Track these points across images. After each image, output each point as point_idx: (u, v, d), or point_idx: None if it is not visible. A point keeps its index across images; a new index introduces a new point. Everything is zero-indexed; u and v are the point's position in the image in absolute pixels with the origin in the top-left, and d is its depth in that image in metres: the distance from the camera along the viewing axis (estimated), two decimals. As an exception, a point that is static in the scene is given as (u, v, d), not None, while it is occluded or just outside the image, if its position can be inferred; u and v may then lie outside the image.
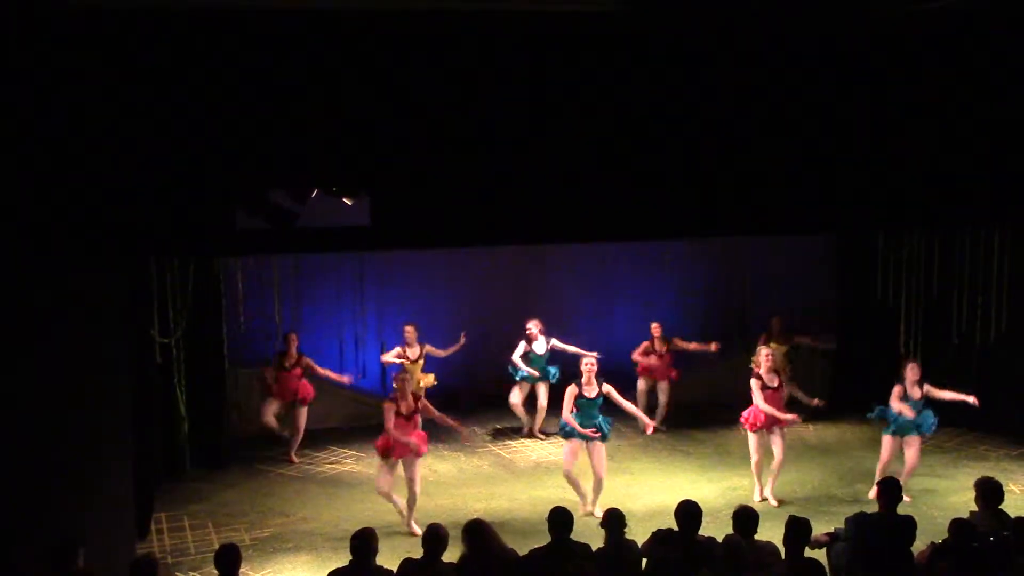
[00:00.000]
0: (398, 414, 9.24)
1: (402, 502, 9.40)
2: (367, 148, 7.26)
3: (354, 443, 11.88)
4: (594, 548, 6.64)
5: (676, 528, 6.66)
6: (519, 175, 7.55)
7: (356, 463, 11.40)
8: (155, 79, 6.70)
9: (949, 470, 10.93)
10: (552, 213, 7.83)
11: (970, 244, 11.81)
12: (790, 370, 11.73)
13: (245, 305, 11.80)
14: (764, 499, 10.02)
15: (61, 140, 6.68)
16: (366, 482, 10.47)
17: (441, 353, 12.03)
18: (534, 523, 8.57)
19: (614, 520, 6.71)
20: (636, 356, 12.34)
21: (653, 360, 12.31)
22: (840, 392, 12.83)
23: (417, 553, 6.50)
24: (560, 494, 9.74)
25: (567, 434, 9.67)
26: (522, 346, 11.99)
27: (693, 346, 12.46)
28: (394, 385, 9.53)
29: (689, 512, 6.64)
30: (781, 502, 9.91)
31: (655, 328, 12.35)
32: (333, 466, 11.25)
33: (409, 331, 11.87)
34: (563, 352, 11.93)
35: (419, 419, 9.44)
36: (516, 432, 12.30)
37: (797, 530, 6.45)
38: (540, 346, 12.02)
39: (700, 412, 12.71)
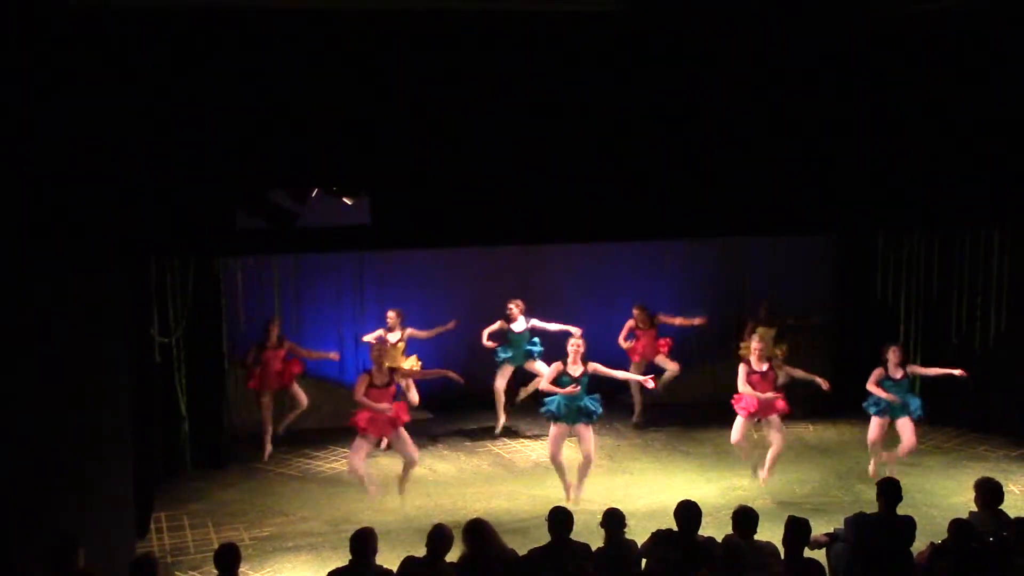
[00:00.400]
0: (373, 385, 9.42)
1: (373, 488, 9.64)
2: (367, 148, 7.27)
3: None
4: (594, 548, 6.65)
5: (676, 528, 6.66)
6: (519, 175, 7.55)
7: (356, 463, 11.39)
8: (155, 79, 6.71)
9: (949, 470, 10.92)
10: (552, 213, 7.84)
11: (970, 244, 11.81)
12: (786, 350, 11.75)
13: (245, 305, 11.79)
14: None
15: (61, 140, 6.69)
16: (366, 482, 10.47)
17: (424, 335, 11.87)
18: (534, 523, 8.56)
19: (614, 520, 6.71)
20: (621, 342, 12.29)
21: (639, 341, 12.19)
22: (840, 392, 12.79)
23: (417, 551, 6.50)
24: (560, 494, 9.74)
25: (552, 416, 9.68)
26: (497, 324, 11.84)
27: (679, 320, 12.37)
28: (371, 355, 9.74)
29: (689, 512, 6.65)
30: (781, 502, 9.92)
31: (636, 312, 12.27)
32: (333, 466, 11.23)
33: (391, 316, 11.70)
34: (544, 331, 11.79)
35: (394, 390, 9.65)
36: (516, 432, 12.26)
37: (797, 530, 6.46)
38: (519, 325, 11.86)
39: (700, 412, 12.68)
